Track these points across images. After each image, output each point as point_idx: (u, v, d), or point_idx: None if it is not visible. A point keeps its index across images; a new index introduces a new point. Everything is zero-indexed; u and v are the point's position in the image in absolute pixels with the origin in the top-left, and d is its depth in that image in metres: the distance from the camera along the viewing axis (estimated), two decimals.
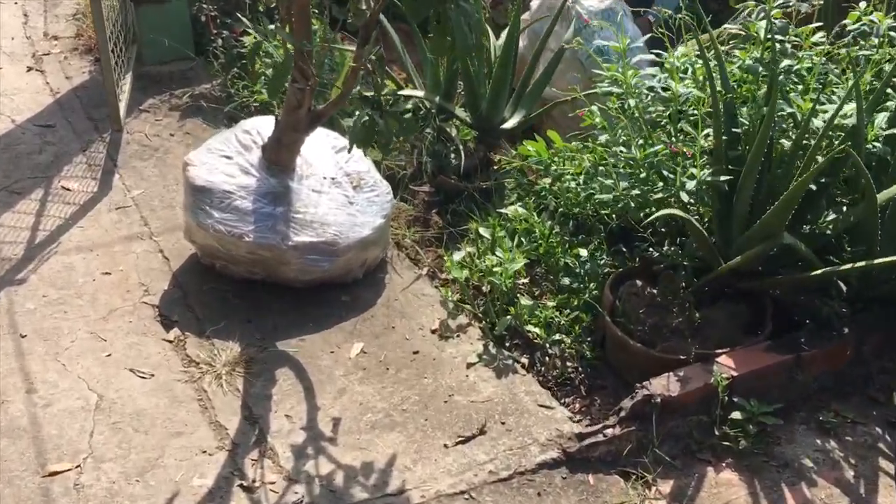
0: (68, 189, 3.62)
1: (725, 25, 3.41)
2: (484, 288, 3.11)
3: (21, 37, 4.87)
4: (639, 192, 2.76)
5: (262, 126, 3.22)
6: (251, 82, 4.22)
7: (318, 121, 2.89)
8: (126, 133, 4.01)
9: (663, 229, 3.08)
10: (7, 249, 3.21)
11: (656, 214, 2.73)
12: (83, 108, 4.23)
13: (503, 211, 3.32)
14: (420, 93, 3.84)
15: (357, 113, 2.23)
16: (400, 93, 3.78)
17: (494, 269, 3.00)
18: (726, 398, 2.55)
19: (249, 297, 3.07)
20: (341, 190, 3.13)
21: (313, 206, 3.04)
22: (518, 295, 3.02)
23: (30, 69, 4.54)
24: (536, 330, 2.88)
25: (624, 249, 3.27)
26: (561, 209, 3.35)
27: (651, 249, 3.04)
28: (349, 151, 2.56)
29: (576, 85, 4.30)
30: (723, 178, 2.69)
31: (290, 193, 3.03)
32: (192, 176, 3.03)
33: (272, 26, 2.88)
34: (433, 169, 3.74)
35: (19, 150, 3.83)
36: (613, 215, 3.14)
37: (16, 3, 5.29)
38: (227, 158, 3.11)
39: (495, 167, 3.82)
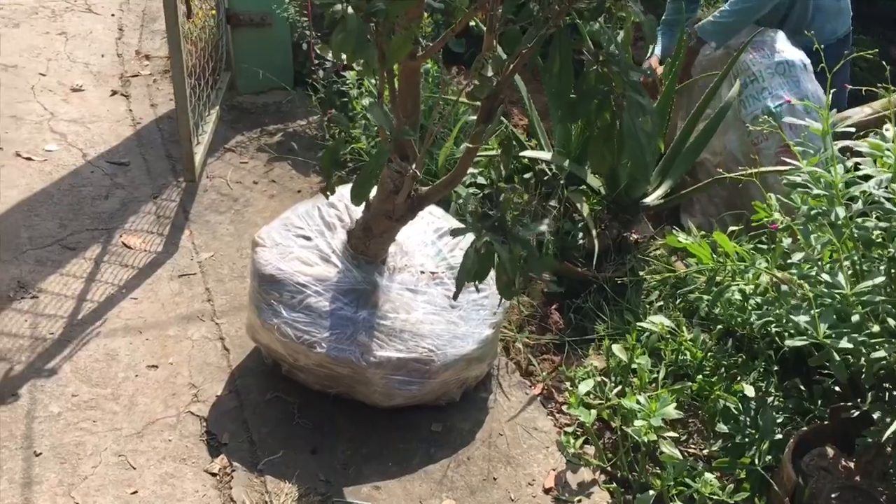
0: (129, 247, 3.10)
1: None
2: (614, 423, 2.40)
3: (112, 54, 4.44)
4: (850, 345, 1.98)
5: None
6: (351, 125, 3.62)
7: (420, 208, 2.24)
8: (206, 178, 3.48)
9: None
10: (44, 325, 2.70)
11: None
12: (163, 143, 3.73)
13: (644, 325, 2.60)
14: (547, 155, 3.15)
15: (472, 234, 1.56)
16: (523, 154, 3.10)
17: (633, 414, 2.29)
18: None
19: (319, 415, 2.45)
20: (443, 288, 2.48)
21: (405, 311, 2.39)
22: (661, 446, 2.29)
23: (114, 93, 4.09)
24: None
25: (802, 388, 2.51)
26: (720, 326, 2.61)
27: (841, 396, 2.28)
28: (456, 295, 1.90)
29: (734, 151, 3.56)
30: None
31: (377, 292, 2.40)
32: (261, 261, 2.43)
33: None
34: (555, 251, 3.04)
35: (84, 194, 3.34)
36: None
37: (113, 15, 4.88)
38: (305, 240, 2.50)
39: (633, 254, 3.10)
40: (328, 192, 1.97)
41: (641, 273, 3.00)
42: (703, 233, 2.70)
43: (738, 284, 2.43)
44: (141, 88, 4.15)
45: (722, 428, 2.37)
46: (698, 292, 2.59)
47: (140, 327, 2.74)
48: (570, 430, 2.49)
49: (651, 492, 2.15)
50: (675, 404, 2.23)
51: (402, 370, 2.33)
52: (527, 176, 3.29)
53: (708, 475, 2.18)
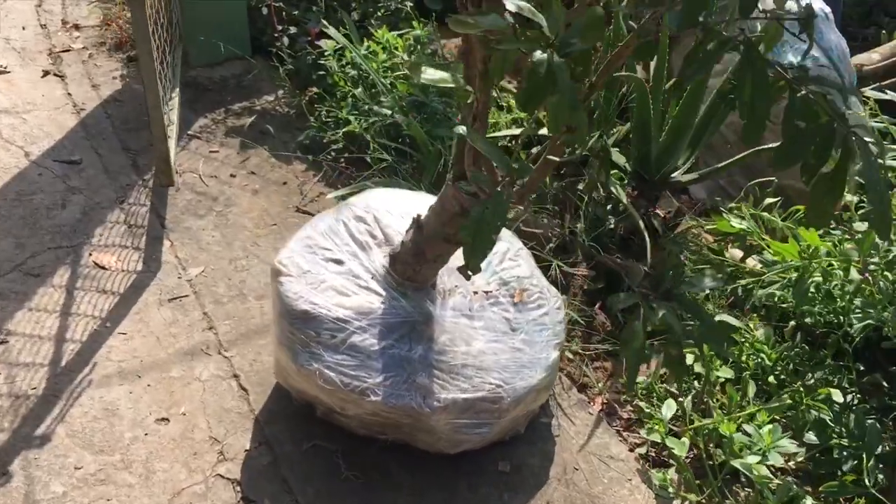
0: (103, 267, 2.67)
1: None
2: (704, 449, 2.17)
3: (34, 25, 3.86)
4: None
5: (380, 208, 2.25)
6: (334, 104, 3.22)
7: None
8: (174, 173, 3.04)
9: None
10: (22, 378, 2.28)
11: None
12: (115, 132, 3.25)
13: None
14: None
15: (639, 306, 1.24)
16: (543, 132, 2.78)
17: (740, 446, 2.04)
18: None
19: (368, 465, 2.14)
20: (499, 309, 2.17)
21: (464, 343, 2.08)
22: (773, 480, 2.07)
23: (46, 73, 3.54)
24: None
25: (885, 384, 2.33)
26: (792, 322, 2.40)
27: None
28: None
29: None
30: None
31: (431, 324, 2.07)
32: (290, 294, 2.07)
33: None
34: (589, 240, 2.76)
35: (35, 203, 2.87)
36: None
37: None
38: (336, 264, 2.14)
39: (666, 237, 2.85)
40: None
41: (685, 260, 2.75)
42: (753, 211, 2.45)
43: (828, 283, 2.20)
44: (76, 66, 3.62)
45: (812, 439, 2.17)
46: (773, 287, 2.35)
47: (137, 370, 2.34)
48: (642, 451, 2.26)
49: None
50: (789, 436, 2.00)
51: (469, 412, 2.03)
52: (534, 151, 2.98)
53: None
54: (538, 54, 1.12)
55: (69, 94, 3.45)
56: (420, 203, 2.28)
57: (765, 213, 2.75)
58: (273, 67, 3.56)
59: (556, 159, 1.63)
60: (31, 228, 2.76)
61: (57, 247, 2.71)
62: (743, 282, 2.49)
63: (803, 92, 1.12)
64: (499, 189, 1.32)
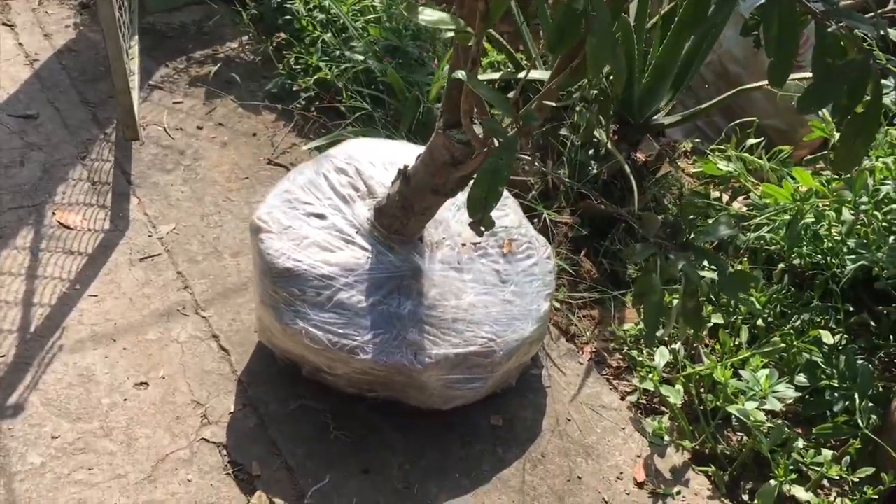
0: (67, 226, 2.55)
1: None
2: (700, 395, 2.15)
3: None
4: None
5: (362, 158, 2.17)
6: (303, 50, 3.09)
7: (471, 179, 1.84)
8: (139, 127, 2.90)
9: None
10: None
11: None
12: (73, 84, 3.09)
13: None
14: (542, 74, 2.74)
15: (657, 256, 1.17)
16: (533, 76, 2.68)
17: (735, 392, 2.02)
18: None
19: (358, 424, 2.09)
20: (488, 261, 2.11)
21: (454, 296, 2.02)
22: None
23: None
24: (806, 497, 1.93)
25: (872, 324, 2.32)
26: (781, 265, 2.37)
27: None
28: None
29: (732, 49, 3.27)
30: None
31: (420, 278, 2.01)
32: (271, 251, 1.98)
33: None
34: (571, 185, 2.69)
35: None
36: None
37: None
38: (318, 219, 2.06)
39: (648, 180, 2.80)
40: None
41: (668, 204, 2.71)
42: (741, 155, 2.41)
43: (821, 224, 2.17)
44: (26, 14, 3.42)
45: (802, 381, 2.16)
46: (764, 230, 2.31)
47: (111, 333, 2.25)
48: (633, 399, 2.23)
49: (772, 482, 1.91)
50: (787, 381, 1.98)
51: (461, 367, 1.98)
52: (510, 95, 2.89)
53: (826, 452, 1.96)
54: None
55: (20, 44, 3.27)
56: (403, 152, 2.19)
57: (746, 154, 2.72)
58: (235, 12, 3.41)
59: (553, 104, 1.56)
60: None
61: (18, 206, 2.58)
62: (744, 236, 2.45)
63: (833, 27, 1.05)
64: (509, 136, 1.24)
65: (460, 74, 1.29)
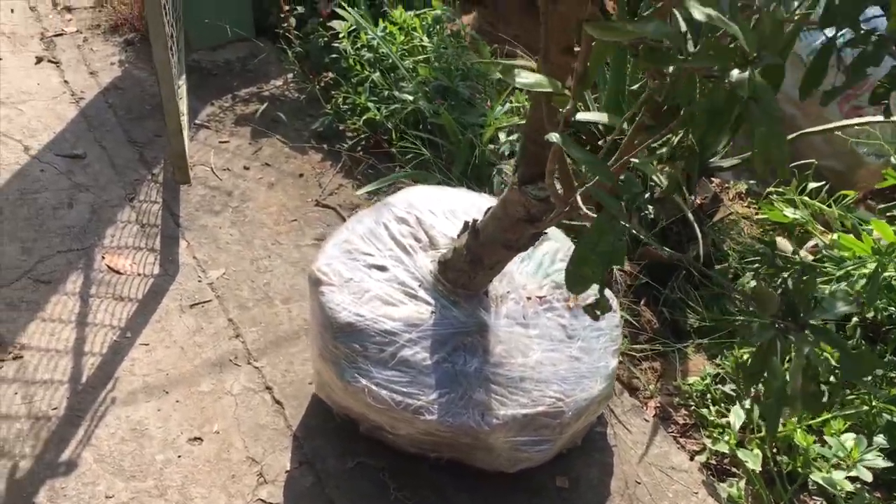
0: (117, 271, 2.50)
1: None
2: (778, 462, 2.06)
3: (23, 8, 3.65)
4: None
5: (422, 207, 2.10)
6: (351, 90, 3.05)
7: (543, 233, 1.77)
8: (189, 168, 2.86)
9: None
10: (41, 397, 2.12)
11: None
12: (119, 122, 3.06)
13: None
14: (602, 116, 2.68)
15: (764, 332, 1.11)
16: (582, 117, 2.62)
17: (820, 458, 1.93)
18: None
19: (419, 484, 2.01)
20: (554, 315, 2.03)
21: (520, 353, 1.94)
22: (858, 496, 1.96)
23: (39, 60, 3.34)
24: None
25: None
26: (855, 319, 2.28)
27: None
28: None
29: (787, 90, 3.20)
30: None
31: (486, 334, 1.94)
32: (332, 305, 1.92)
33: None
34: (648, 238, 2.62)
35: (40, 202, 2.69)
36: None
37: None
38: (379, 271, 1.99)
39: (707, 225, 2.72)
40: None
41: (727, 250, 2.63)
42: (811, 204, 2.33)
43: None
44: (71, 51, 3.41)
45: (882, 443, 2.06)
46: (840, 283, 2.23)
47: (164, 385, 2.19)
48: (702, 459, 2.14)
49: None
50: (877, 451, 1.89)
51: (529, 429, 1.90)
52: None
53: None
54: (736, 73, 0.98)
55: (66, 81, 3.26)
56: (462, 201, 2.14)
57: (808, 199, 2.64)
58: (280, 50, 3.39)
59: (635, 161, 1.49)
60: (38, 231, 2.59)
61: (67, 250, 2.54)
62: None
63: None
64: (615, 211, 1.17)
65: (554, 137, 1.23)
